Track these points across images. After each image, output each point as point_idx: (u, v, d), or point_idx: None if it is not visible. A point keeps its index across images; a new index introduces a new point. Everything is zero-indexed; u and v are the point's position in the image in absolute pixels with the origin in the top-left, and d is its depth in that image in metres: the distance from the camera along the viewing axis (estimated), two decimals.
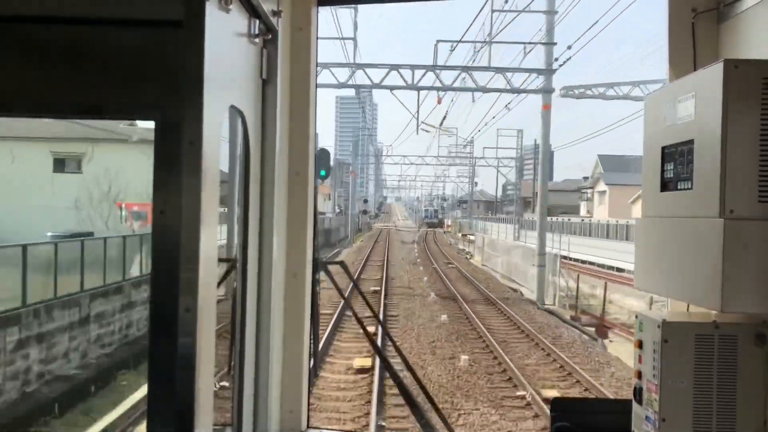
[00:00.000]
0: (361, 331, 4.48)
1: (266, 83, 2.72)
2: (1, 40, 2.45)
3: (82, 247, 17.98)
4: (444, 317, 21.69)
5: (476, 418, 12.15)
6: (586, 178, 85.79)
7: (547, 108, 28.10)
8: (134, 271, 19.91)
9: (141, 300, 19.20)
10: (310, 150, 3.06)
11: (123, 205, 26.31)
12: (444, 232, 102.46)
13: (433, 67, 28.26)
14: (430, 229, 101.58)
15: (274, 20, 2.66)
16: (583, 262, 37.80)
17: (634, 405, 2.40)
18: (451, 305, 24.83)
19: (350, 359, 15.66)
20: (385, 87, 28.32)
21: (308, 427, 3.08)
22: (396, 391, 10.02)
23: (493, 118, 48.90)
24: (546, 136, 29.16)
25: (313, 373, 3.55)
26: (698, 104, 2.25)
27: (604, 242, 40.24)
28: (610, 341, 20.92)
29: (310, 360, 3.15)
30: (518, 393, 13.62)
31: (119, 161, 24.28)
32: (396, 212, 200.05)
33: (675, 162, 2.39)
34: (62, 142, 25.61)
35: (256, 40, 2.54)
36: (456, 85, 28.83)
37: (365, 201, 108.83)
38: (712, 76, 2.17)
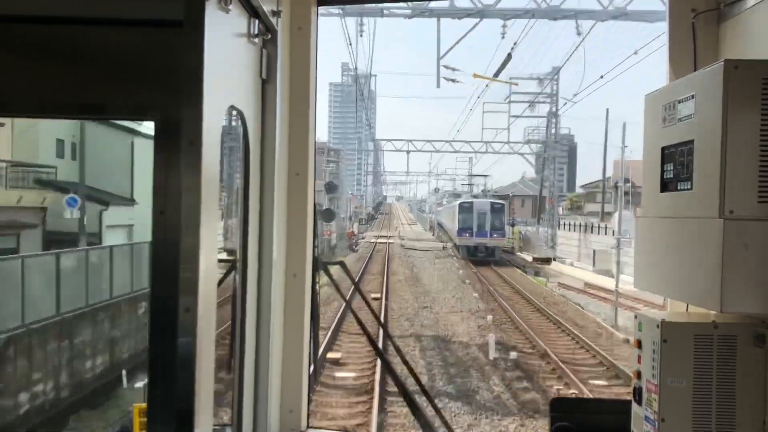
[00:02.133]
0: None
1: (266, 83, 2.72)
2: (1, 40, 2.46)
3: None
4: None
5: None
6: None
7: None
8: None
9: None
10: (310, 150, 3.07)
11: None
12: (515, 252, 51.70)
13: None
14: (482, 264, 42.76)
15: (273, 20, 2.67)
16: None
17: (634, 405, 2.39)
18: None
19: None
20: None
21: (308, 426, 3.08)
22: None
23: None
24: None
25: (314, 376, 3.55)
26: (698, 104, 2.25)
27: None
28: None
29: (310, 360, 3.16)
30: None
31: None
32: (399, 214, 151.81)
33: (675, 162, 2.39)
34: None
35: (256, 40, 2.55)
36: None
37: (329, 186, 51.68)
38: (712, 76, 2.16)
